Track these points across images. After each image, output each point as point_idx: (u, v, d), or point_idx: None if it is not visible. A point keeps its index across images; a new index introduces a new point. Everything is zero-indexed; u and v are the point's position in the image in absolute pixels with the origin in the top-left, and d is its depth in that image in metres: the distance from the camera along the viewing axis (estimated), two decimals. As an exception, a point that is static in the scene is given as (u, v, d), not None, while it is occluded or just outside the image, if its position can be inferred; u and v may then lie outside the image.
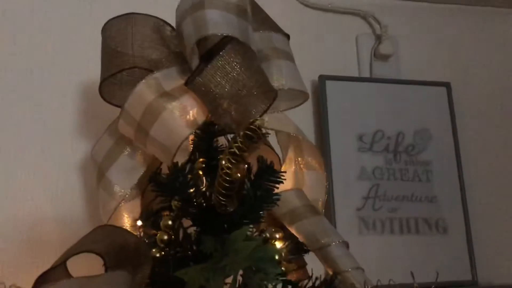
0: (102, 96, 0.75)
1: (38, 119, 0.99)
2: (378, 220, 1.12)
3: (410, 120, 1.21)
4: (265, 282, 0.59)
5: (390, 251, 1.10)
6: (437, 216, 1.16)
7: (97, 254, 0.56)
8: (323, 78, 1.16)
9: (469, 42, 1.35)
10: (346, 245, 0.72)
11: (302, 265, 0.80)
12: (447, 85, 1.26)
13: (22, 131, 0.98)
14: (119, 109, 0.77)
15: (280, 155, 0.84)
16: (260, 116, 0.66)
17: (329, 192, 1.09)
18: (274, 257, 0.65)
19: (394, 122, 1.19)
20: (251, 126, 0.66)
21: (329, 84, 1.16)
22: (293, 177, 0.83)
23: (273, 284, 0.63)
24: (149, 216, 0.75)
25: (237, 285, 0.62)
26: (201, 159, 0.74)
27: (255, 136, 0.67)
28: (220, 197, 0.65)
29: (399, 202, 1.15)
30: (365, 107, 1.18)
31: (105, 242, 0.56)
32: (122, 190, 0.76)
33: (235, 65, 0.63)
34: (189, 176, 0.70)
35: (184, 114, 0.66)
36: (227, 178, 0.63)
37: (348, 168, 1.13)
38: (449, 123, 1.24)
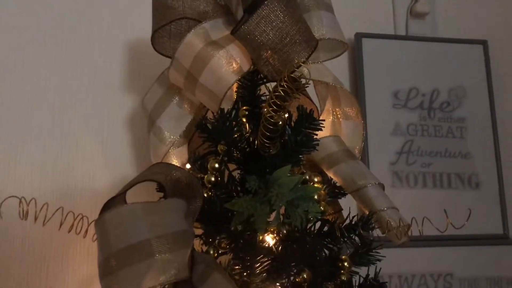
0: (154, 47, 0.80)
1: (89, 74, 1.05)
2: (411, 174, 1.15)
3: (445, 77, 1.22)
4: (306, 215, 0.64)
5: (422, 204, 1.13)
6: (470, 171, 1.18)
7: (158, 182, 0.62)
8: (359, 36, 1.18)
9: None
10: (382, 186, 0.76)
11: (338, 210, 0.85)
12: (483, 43, 1.26)
13: (74, 87, 1.05)
14: (163, 65, 0.82)
15: (318, 107, 0.88)
16: (302, 64, 0.70)
17: (364, 147, 1.12)
18: (314, 196, 0.70)
19: (429, 80, 1.21)
20: (292, 75, 0.70)
21: (365, 42, 1.18)
22: (330, 127, 0.87)
23: (313, 219, 0.68)
24: (197, 160, 0.81)
25: (280, 218, 0.67)
26: (244, 107, 0.78)
27: (296, 86, 0.71)
28: (264, 140, 0.70)
29: (432, 157, 1.17)
30: (400, 64, 1.20)
31: (162, 174, 0.62)
32: (172, 136, 0.81)
33: (279, 13, 0.66)
34: (234, 122, 0.75)
35: (230, 62, 0.70)
36: (271, 121, 0.67)
37: (383, 124, 1.16)
38: (484, 81, 1.24)
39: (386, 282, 0.71)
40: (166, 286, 0.58)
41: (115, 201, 0.59)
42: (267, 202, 0.63)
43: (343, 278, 0.71)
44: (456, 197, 1.16)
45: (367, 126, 1.14)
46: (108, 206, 0.58)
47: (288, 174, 0.70)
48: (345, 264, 0.73)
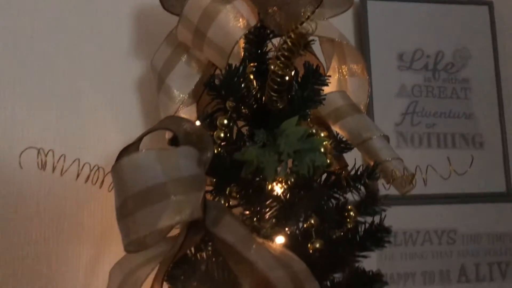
0: (162, 5, 0.81)
1: (97, 39, 1.07)
2: (416, 135, 1.17)
3: (450, 39, 1.23)
4: (313, 163, 0.66)
5: (427, 163, 1.14)
6: (474, 131, 1.20)
7: (171, 131, 0.64)
8: (364, -2, 1.19)
9: (514, -40, 1.33)
10: (387, 139, 0.78)
11: (344, 166, 0.87)
12: (489, 4, 1.26)
13: (83, 51, 1.06)
14: (171, 27, 0.84)
15: (324, 65, 0.89)
16: (307, 18, 0.71)
17: (369, 109, 1.14)
18: (320, 147, 0.72)
19: (434, 41, 1.22)
20: (298, 31, 0.72)
21: (370, 4, 1.19)
22: (336, 85, 0.88)
23: (320, 168, 0.70)
24: (206, 118, 0.83)
25: (288, 168, 0.70)
26: (252, 64, 0.80)
27: (302, 41, 0.72)
28: (271, 93, 0.72)
29: (437, 118, 1.19)
30: (405, 26, 1.20)
31: (174, 125, 0.65)
32: (181, 95, 0.83)
33: (285, -33, 0.67)
34: (242, 78, 0.77)
35: (237, 17, 0.72)
36: (278, 73, 0.69)
37: (388, 85, 1.18)
38: (489, 43, 1.25)
39: (391, 226, 0.73)
40: (181, 229, 0.61)
41: (130, 149, 0.61)
42: (276, 150, 0.65)
43: (349, 226, 0.74)
44: (460, 156, 1.18)
45: (372, 88, 1.15)
46: (123, 153, 0.61)
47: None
48: (351, 213, 0.75)
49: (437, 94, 1.20)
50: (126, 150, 0.61)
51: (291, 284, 0.56)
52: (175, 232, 0.67)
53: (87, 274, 0.98)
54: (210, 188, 0.74)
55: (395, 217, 1.03)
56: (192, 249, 0.71)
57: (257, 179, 0.66)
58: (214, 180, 0.74)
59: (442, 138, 1.18)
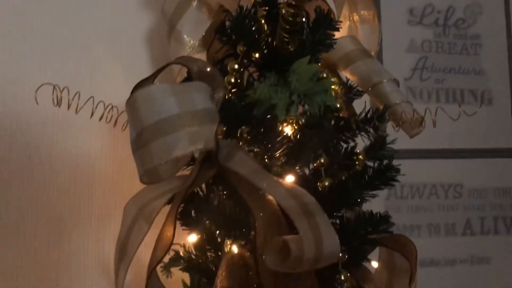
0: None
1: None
2: (425, 90, 1.17)
3: (461, -6, 1.22)
4: (324, 102, 0.67)
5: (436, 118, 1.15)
6: (483, 87, 1.20)
7: (185, 66, 0.65)
8: (375, -49, 1.18)
9: None
10: (397, 83, 0.78)
11: (353, 114, 0.88)
12: (502, -41, 1.24)
13: (95, 2, 1.06)
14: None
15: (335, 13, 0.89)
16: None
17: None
18: (331, 89, 0.73)
19: (445, -4, 1.21)
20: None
21: (381, -43, 1.18)
22: (347, 32, 0.88)
23: (330, 108, 0.71)
24: (216, 63, 0.83)
25: (299, 108, 0.70)
26: (263, 8, 0.80)
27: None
28: (283, 34, 0.72)
29: (446, 74, 1.19)
30: (416, -20, 1.19)
31: (189, 63, 0.65)
32: (192, 41, 0.84)
33: None
34: (252, 22, 0.77)
35: (249, -43, 0.71)
36: (291, 11, 0.68)
37: (398, 40, 1.17)
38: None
39: (400, 165, 0.74)
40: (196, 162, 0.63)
41: (145, 83, 0.62)
42: (287, 87, 0.66)
43: (357, 168, 0.75)
44: (469, 112, 1.18)
45: (382, 42, 1.15)
46: (137, 87, 0.62)
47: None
48: (360, 157, 0.76)
49: (447, 49, 1.19)
50: (140, 84, 0.62)
51: (302, 215, 0.57)
52: (187, 173, 0.68)
53: (100, 225, 1.00)
54: (220, 136, 0.76)
55: (402, 171, 1.04)
56: (204, 189, 0.73)
57: (268, 116, 0.66)
58: (224, 128, 0.75)
59: (451, 93, 1.18)
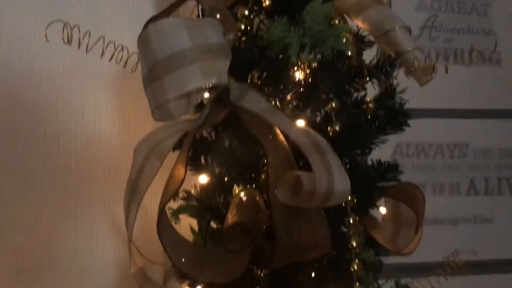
0: None
1: None
2: (433, 50, 1.16)
3: (473, -47, 1.20)
4: (337, 44, 0.67)
5: (443, 77, 1.14)
6: (492, 48, 1.18)
7: (198, 2, 0.64)
8: None
9: None
10: (409, 30, 0.77)
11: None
12: None
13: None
14: None
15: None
16: None
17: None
18: (343, 34, 0.72)
19: (456, -45, 1.19)
20: None
21: None
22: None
23: (342, 53, 0.70)
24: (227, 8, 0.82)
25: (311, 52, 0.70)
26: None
27: None
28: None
29: (455, 33, 1.17)
30: None
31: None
32: (201, -12, 0.82)
33: None
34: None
35: None
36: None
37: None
38: (513, -42, 1.22)
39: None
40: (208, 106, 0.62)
41: (157, 17, 0.62)
42: (300, 27, 0.65)
43: (368, 117, 0.74)
44: (477, 73, 1.17)
45: (391, 1, 1.14)
46: (150, 22, 0.61)
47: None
48: (370, 105, 0.76)
49: (457, 9, 1.18)
50: (153, 19, 0.61)
51: (314, 151, 0.57)
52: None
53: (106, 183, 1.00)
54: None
55: (408, 130, 1.04)
56: (213, 135, 0.73)
57: (280, 57, 0.66)
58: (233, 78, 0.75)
59: (459, 53, 1.17)
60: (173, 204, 0.82)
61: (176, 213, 0.81)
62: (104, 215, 0.97)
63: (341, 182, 0.59)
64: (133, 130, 1.00)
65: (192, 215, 0.81)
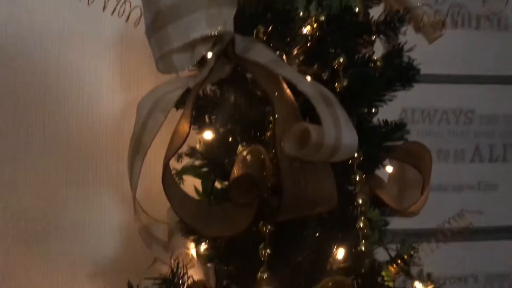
0: None
1: None
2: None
3: None
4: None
5: (451, 43, 1.13)
6: (500, 13, 1.16)
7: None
8: None
9: None
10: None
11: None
12: None
13: None
14: None
15: None
16: None
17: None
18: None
19: None
20: None
21: None
22: None
23: (349, 8, 0.69)
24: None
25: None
26: None
27: None
28: None
29: (463, -1, 1.16)
30: None
31: None
32: None
33: None
34: None
35: None
36: None
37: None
38: None
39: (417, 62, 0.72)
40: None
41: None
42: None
43: (376, 73, 0.73)
44: (483, 37, 1.16)
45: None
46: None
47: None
48: (378, 64, 0.74)
49: (465, -28, 1.16)
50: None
51: (323, 103, 0.56)
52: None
53: (108, 143, 0.99)
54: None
55: (413, 95, 1.03)
56: (218, 93, 0.72)
57: (288, 9, 0.64)
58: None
59: (466, 18, 1.15)
60: (177, 165, 0.82)
61: (180, 173, 0.81)
62: (107, 176, 0.97)
63: (349, 136, 0.58)
64: (135, 91, 0.98)
65: (196, 175, 0.81)
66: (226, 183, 0.71)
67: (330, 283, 0.55)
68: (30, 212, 0.95)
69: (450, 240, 1.00)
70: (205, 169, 0.78)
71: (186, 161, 0.82)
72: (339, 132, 0.56)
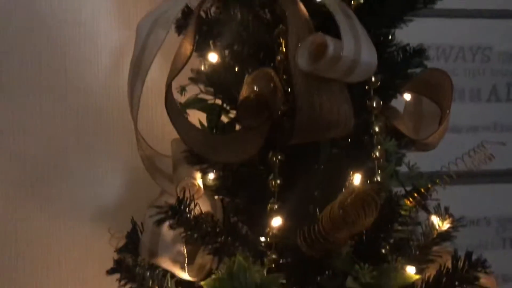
0: None
1: None
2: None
3: None
4: None
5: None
6: None
7: None
8: None
9: None
10: None
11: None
12: None
13: None
14: None
15: None
16: None
17: None
18: None
19: None
20: None
21: None
22: None
23: None
24: None
25: None
26: None
27: None
28: None
29: None
30: None
31: None
32: None
33: None
34: None
35: None
36: None
37: None
38: None
39: None
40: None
41: None
42: None
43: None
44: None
45: None
46: None
47: None
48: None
49: None
50: None
51: (342, 13, 0.51)
52: None
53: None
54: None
55: (428, 30, 0.97)
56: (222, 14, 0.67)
57: None
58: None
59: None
60: (181, 99, 0.78)
61: (184, 107, 0.76)
62: (108, 116, 0.92)
63: (368, 53, 0.54)
64: (133, 27, 0.92)
65: (201, 108, 0.76)
66: (233, 113, 0.67)
67: (351, 193, 0.51)
68: (35, 157, 0.91)
69: (463, 182, 0.96)
70: (210, 101, 0.74)
71: (189, 94, 0.78)
72: (358, 47, 0.51)
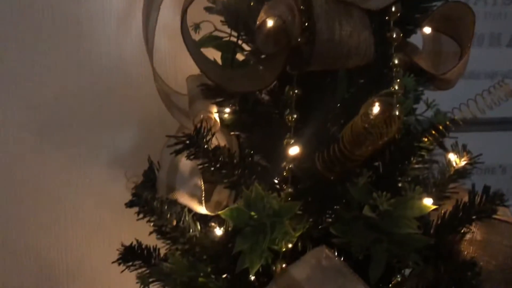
0: None
1: None
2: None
3: None
4: None
5: None
6: None
7: None
8: None
9: None
10: None
11: None
12: None
13: None
14: None
15: None
16: None
17: None
18: None
19: None
20: None
21: None
22: None
23: None
24: None
25: None
26: None
27: None
28: None
29: None
30: None
31: None
32: None
33: None
34: None
35: None
36: None
37: None
38: None
39: None
40: None
41: None
42: None
43: None
44: None
45: None
46: None
47: None
48: None
49: None
50: None
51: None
52: None
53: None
54: None
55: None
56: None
57: None
58: None
59: None
60: (195, 36, 0.76)
61: (199, 45, 0.75)
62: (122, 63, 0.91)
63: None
64: None
65: (215, 46, 0.75)
66: (249, 46, 0.66)
67: (375, 102, 0.51)
68: (48, 103, 0.91)
69: (479, 129, 0.94)
70: (225, 38, 0.73)
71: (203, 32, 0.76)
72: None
